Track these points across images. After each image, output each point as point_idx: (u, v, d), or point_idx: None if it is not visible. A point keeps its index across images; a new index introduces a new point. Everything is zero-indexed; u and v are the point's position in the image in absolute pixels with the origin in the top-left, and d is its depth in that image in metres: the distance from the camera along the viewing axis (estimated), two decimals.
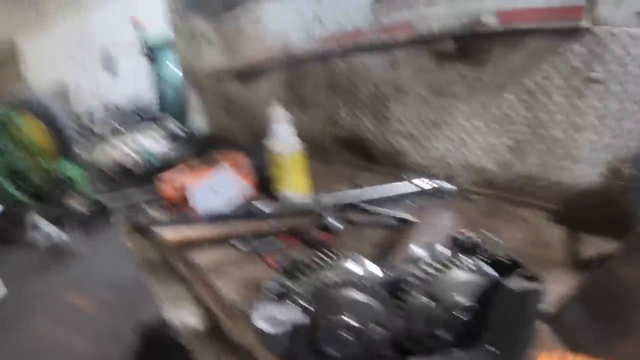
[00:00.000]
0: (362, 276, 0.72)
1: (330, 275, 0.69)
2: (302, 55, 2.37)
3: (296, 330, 0.65)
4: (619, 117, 1.32)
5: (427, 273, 0.72)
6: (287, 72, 2.58)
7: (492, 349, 0.73)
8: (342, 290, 0.68)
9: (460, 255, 0.75)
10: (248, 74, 2.89)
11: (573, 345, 0.84)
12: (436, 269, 0.72)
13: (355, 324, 0.68)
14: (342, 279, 0.69)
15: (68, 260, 4.16)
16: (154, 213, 2.02)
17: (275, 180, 1.91)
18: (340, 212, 1.66)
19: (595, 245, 1.29)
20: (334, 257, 0.79)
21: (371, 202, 1.72)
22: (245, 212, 1.69)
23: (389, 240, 1.48)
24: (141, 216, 1.90)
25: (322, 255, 0.80)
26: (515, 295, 0.68)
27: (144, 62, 8.20)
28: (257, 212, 1.68)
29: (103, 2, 11.26)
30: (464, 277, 0.73)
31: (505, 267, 0.76)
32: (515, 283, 0.69)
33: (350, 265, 0.78)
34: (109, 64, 8.67)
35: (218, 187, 1.94)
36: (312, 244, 1.52)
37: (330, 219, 1.57)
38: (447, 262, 0.74)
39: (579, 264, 1.22)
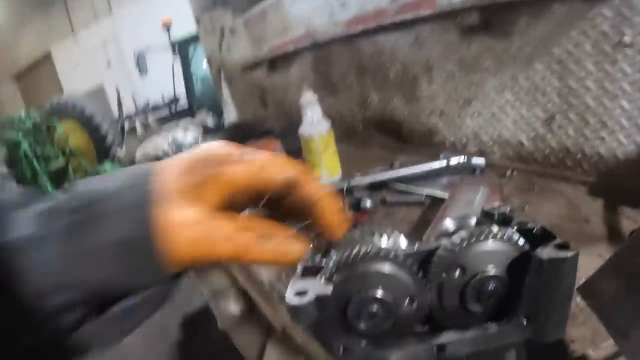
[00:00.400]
0: (393, 250, 0.71)
1: (362, 250, 0.68)
2: (327, 39, 2.36)
3: (325, 304, 0.64)
4: None
5: (458, 245, 0.70)
6: (314, 57, 2.57)
7: (526, 321, 0.70)
8: (373, 264, 0.66)
9: (493, 226, 0.73)
10: (277, 62, 2.91)
11: (606, 319, 0.81)
12: (468, 241, 0.70)
13: (386, 299, 0.67)
14: (374, 252, 0.67)
15: None
16: None
17: (308, 163, 1.91)
18: (373, 192, 1.67)
19: (634, 218, 1.25)
20: (367, 233, 0.78)
21: (404, 181, 1.71)
22: None
23: (423, 217, 1.46)
24: None
25: (354, 232, 0.78)
26: (548, 265, 0.66)
27: (175, 60, 8.26)
28: None
29: (132, 7, 11.37)
30: (496, 248, 0.70)
31: (538, 237, 0.72)
32: (548, 253, 0.66)
33: (382, 240, 0.77)
34: (141, 65, 8.75)
35: None
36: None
37: (362, 199, 1.58)
38: (478, 234, 0.72)
39: (620, 238, 1.18)
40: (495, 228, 0.69)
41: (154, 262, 0.40)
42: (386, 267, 0.67)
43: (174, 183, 0.42)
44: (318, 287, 0.64)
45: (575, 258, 0.64)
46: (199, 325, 3.11)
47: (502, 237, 0.70)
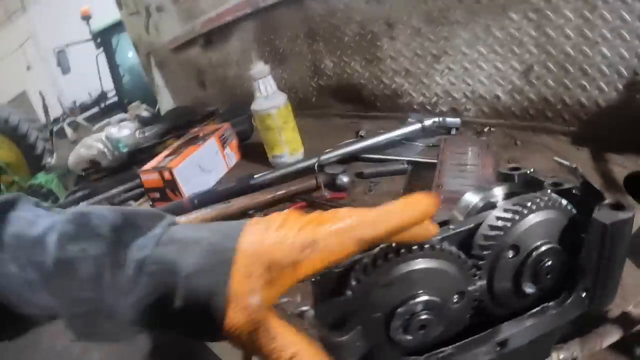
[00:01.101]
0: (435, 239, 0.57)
1: (401, 248, 0.52)
2: (270, 2, 2.18)
3: (369, 327, 0.51)
4: (632, 28, 1.22)
5: (510, 221, 0.57)
6: (256, 25, 2.40)
7: (586, 294, 0.61)
8: (404, 264, 0.52)
9: (535, 194, 0.59)
10: (213, 37, 2.72)
11: None
12: (519, 214, 0.57)
13: (435, 299, 0.53)
14: (417, 246, 0.52)
15: None
16: (137, 206, 1.86)
17: (266, 144, 1.76)
18: (347, 166, 1.54)
19: (623, 164, 1.22)
20: None
21: (377, 150, 1.60)
22: (241, 185, 1.54)
23: (409, 187, 1.37)
24: None
25: None
26: (612, 228, 0.55)
27: (98, 53, 7.99)
28: (253, 183, 1.53)
29: (47, 3, 10.90)
30: (546, 218, 0.58)
31: (581, 198, 0.63)
32: (609, 215, 0.56)
33: None
34: (63, 63, 8.47)
35: (204, 163, 1.79)
36: (323, 206, 1.37)
37: (336, 175, 1.44)
38: (517, 204, 0.58)
39: (616, 186, 1.14)
40: (539, 196, 0.58)
41: (211, 335, 0.47)
42: (425, 262, 0.53)
43: (246, 290, 0.45)
44: (359, 308, 0.50)
45: (632, 218, 0.55)
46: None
47: (551, 205, 0.58)
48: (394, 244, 0.51)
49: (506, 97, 1.55)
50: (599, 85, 1.33)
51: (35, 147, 6.58)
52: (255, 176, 1.58)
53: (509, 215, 0.56)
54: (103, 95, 8.86)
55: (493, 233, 0.56)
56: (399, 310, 0.52)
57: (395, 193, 1.34)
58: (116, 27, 7.14)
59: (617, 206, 0.56)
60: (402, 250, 0.51)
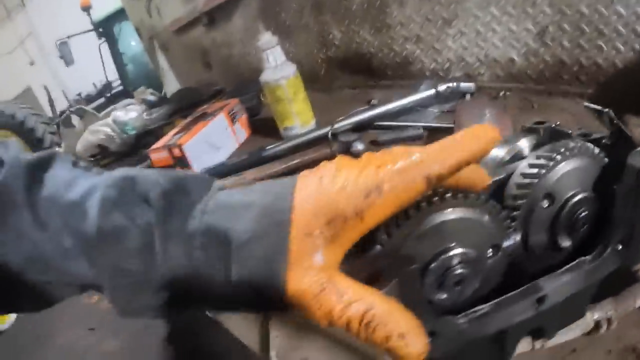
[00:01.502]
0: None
1: (433, 197, 0.49)
2: None
3: (406, 280, 0.47)
4: None
5: (542, 168, 0.54)
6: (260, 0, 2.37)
7: (622, 247, 0.57)
8: (437, 214, 0.49)
9: (566, 142, 0.56)
10: (216, 16, 2.69)
11: None
12: (552, 161, 0.54)
13: (469, 253, 0.50)
14: (450, 194, 0.49)
15: None
16: None
17: (277, 116, 1.74)
18: (361, 134, 1.51)
19: None
20: None
21: (391, 117, 1.57)
22: (253, 158, 1.51)
23: None
24: None
25: None
26: None
27: (101, 42, 7.97)
28: (265, 155, 1.51)
29: None
30: (574, 165, 0.56)
31: (614, 146, 0.60)
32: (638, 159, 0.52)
33: None
34: (66, 55, 8.46)
35: (213, 139, 1.76)
36: None
37: (350, 143, 1.41)
38: (550, 150, 0.56)
39: (633, 147, 1.08)
40: (571, 143, 0.55)
41: (273, 306, 0.43)
42: (456, 212, 0.50)
43: (309, 247, 0.41)
44: (395, 261, 0.47)
45: None
46: (185, 318, 2.94)
47: (583, 153, 0.56)
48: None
49: (521, 60, 1.52)
50: (615, 46, 1.29)
51: (43, 141, 6.60)
52: (267, 148, 1.56)
53: (543, 162, 0.54)
54: (108, 85, 8.85)
55: (527, 181, 0.53)
56: (433, 264, 0.49)
57: None
58: (117, 16, 7.12)
59: None
60: (436, 199, 0.47)
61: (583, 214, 0.55)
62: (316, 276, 0.41)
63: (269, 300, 0.42)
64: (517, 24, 1.47)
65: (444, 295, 0.51)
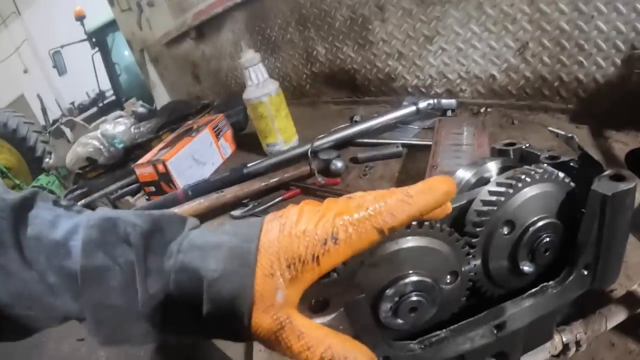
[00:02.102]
0: None
1: None
2: None
3: (357, 312, 0.48)
4: (628, 0, 1.18)
5: (503, 195, 0.54)
6: (246, 14, 2.37)
7: (588, 272, 0.57)
8: (395, 242, 0.49)
9: (530, 167, 0.56)
10: (205, 29, 2.69)
11: None
12: (513, 187, 0.54)
13: (426, 280, 0.50)
14: None
15: None
16: (134, 201, 1.83)
17: (260, 133, 1.73)
18: (341, 151, 1.51)
19: (623, 141, 1.21)
20: None
21: (371, 134, 1.57)
22: (235, 175, 1.51)
23: (404, 170, 1.34)
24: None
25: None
26: (613, 200, 0.52)
27: (94, 52, 7.93)
28: (247, 172, 1.50)
29: (41, 4, 10.84)
30: (543, 191, 0.55)
31: (580, 170, 0.59)
32: (609, 187, 0.52)
33: None
34: (59, 65, 8.43)
35: (198, 155, 1.76)
36: (318, 192, 1.35)
37: (330, 160, 1.41)
38: (511, 177, 0.55)
39: (618, 162, 1.12)
40: (534, 168, 0.55)
41: (240, 338, 0.47)
42: (414, 240, 0.50)
43: (270, 291, 0.44)
44: (341, 290, 0.48)
45: (634, 189, 0.52)
46: None
47: (547, 178, 0.55)
48: None
49: (502, 76, 1.52)
50: (596, 61, 1.30)
51: (35, 149, 6.58)
52: (249, 165, 1.55)
53: (502, 189, 0.53)
54: (101, 95, 8.77)
55: (486, 209, 0.53)
56: (388, 291, 0.49)
57: (390, 176, 1.32)
58: (111, 26, 7.07)
59: (618, 177, 0.53)
60: None
61: (546, 239, 0.55)
62: (276, 315, 0.44)
63: (236, 333, 0.46)
64: (497, 41, 1.48)
65: (400, 321, 0.51)
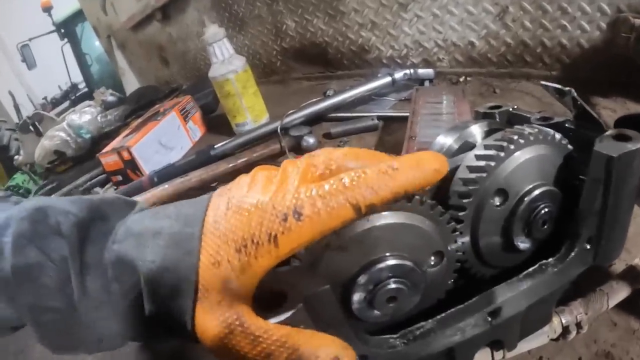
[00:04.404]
0: None
1: None
2: None
3: (321, 305, 0.40)
4: None
5: (481, 160, 0.47)
6: None
7: (590, 246, 0.51)
8: (370, 218, 0.41)
9: (521, 128, 0.49)
10: (170, 10, 2.62)
11: None
12: (491, 151, 0.47)
13: (408, 264, 0.43)
14: None
15: None
16: (103, 192, 1.74)
17: (228, 112, 1.66)
18: (312, 127, 1.46)
19: (611, 108, 1.17)
20: None
21: (344, 107, 1.52)
22: (202, 157, 1.44)
23: (381, 143, 1.29)
24: None
25: None
26: (619, 163, 0.45)
27: (64, 43, 7.83)
28: (215, 154, 1.43)
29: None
30: (532, 154, 0.48)
31: (578, 131, 0.53)
32: (614, 147, 0.45)
33: None
34: (28, 59, 8.33)
35: (165, 139, 1.68)
36: None
37: (301, 137, 1.35)
38: (501, 139, 0.48)
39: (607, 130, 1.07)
40: (528, 128, 0.48)
41: (182, 337, 0.40)
42: (390, 217, 0.42)
43: (219, 274, 0.37)
44: (302, 281, 0.40)
45: None
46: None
47: (542, 140, 0.48)
48: None
49: (481, 43, 1.47)
50: (580, 25, 1.25)
51: (9, 148, 6.51)
52: (216, 146, 1.48)
53: (492, 153, 0.46)
54: (73, 87, 8.69)
55: (474, 176, 0.46)
56: (360, 279, 0.41)
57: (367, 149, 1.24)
58: (79, 16, 6.96)
59: (623, 137, 0.46)
60: None
61: (544, 210, 0.48)
62: (223, 315, 0.37)
63: (184, 336, 0.40)
64: (475, 5, 1.42)
65: (377, 313, 0.43)
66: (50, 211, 0.42)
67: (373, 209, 0.37)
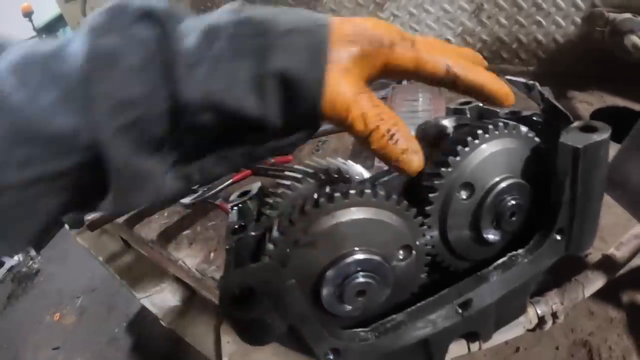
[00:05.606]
0: (355, 185, 0.46)
1: (310, 202, 0.42)
2: None
3: (288, 300, 0.40)
4: None
5: (446, 155, 0.47)
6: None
7: (562, 236, 0.52)
8: (335, 215, 0.43)
9: (489, 121, 0.50)
10: None
11: (636, 204, 0.68)
12: (469, 144, 0.47)
13: (376, 258, 0.44)
14: (340, 193, 0.42)
15: (35, 282, 3.90)
16: None
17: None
18: None
19: (588, 101, 1.19)
20: (305, 173, 0.54)
21: None
22: None
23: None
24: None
25: (288, 174, 0.56)
26: (585, 154, 0.46)
27: None
28: None
29: None
30: (498, 147, 0.49)
31: (546, 124, 0.53)
32: (579, 139, 0.47)
33: (332, 173, 0.53)
34: None
35: None
36: (269, 171, 1.29)
37: None
38: (466, 133, 0.49)
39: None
40: (493, 122, 0.49)
41: (307, 108, 0.40)
42: (356, 212, 0.43)
43: (347, 54, 0.41)
44: (269, 276, 0.40)
45: (608, 140, 0.47)
46: (147, 327, 2.91)
47: (509, 133, 0.49)
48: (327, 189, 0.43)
49: (457, 40, 1.48)
50: (555, 20, 1.26)
51: None
52: None
53: (457, 147, 0.46)
54: None
55: (439, 170, 0.46)
56: (328, 274, 0.42)
57: (344, 149, 1.27)
58: (61, 20, 6.92)
59: (589, 128, 0.48)
60: (321, 200, 0.40)
61: (511, 202, 0.49)
62: (354, 81, 0.41)
63: (305, 100, 0.40)
64: (451, 3, 1.43)
65: (348, 307, 0.44)
66: (129, 3, 0.38)
67: (457, 82, 0.45)
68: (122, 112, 0.36)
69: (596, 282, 0.68)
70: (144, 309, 1.41)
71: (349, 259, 0.42)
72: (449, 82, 0.46)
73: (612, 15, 1.12)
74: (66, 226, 1.56)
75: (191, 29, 0.38)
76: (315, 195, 0.42)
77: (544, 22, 1.28)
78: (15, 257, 4.12)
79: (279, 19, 0.39)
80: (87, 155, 0.36)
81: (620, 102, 1.15)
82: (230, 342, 1.00)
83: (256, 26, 0.39)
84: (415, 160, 0.42)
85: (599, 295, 0.71)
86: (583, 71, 1.24)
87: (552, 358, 0.71)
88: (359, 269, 0.42)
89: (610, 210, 0.74)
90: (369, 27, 0.42)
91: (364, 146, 0.43)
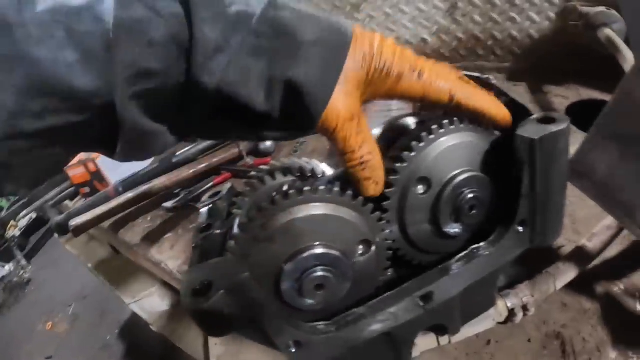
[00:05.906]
0: (319, 181, 0.49)
1: (274, 196, 0.43)
2: None
3: (245, 292, 0.41)
4: None
5: (413, 149, 0.48)
6: None
7: (524, 229, 0.53)
8: (296, 211, 0.44)
9: (439, 116, 0.50)
10: None
11: (604, 198, 0.68)
12: (424, 140, 0.48)
13: (331, 253, 0.45)
14: (294, 190, 0.43)
15: (27, 291, 3.89)
16: (73, 205, 1.73)
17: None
18: None
19: (564, 95, 1.20)
20: (275, 173, 0.57)
21: None
22: (164, 165, 1.44)
23: None
24: (54, 216, 1.60)
25: (259, 175, 0.58)
26: (542, 145, 0.47)
27: None
28: (177, 161, 1.43)
29: None
30: (455, 141, 0.49)
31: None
32: (535, 130, 0.47)
33: (299, 173, 0.56)
34: None
35: None
36: (249, 173, 1.28)
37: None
38: (420, 129, 0.50)
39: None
40: (448, 117, 0.50)
41: (307, 117, 0.43)
42: (311, 208, 0.44)
43: (355, 81, 0.44)
44: (226, 270, 0.41)
45: (567, 130, 0.47)
46: (139, 332, 2.89)
47: (465, 128, 0.50)
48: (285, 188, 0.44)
49: (433, 39, 1.48)
50: (529, 16, 1.27)
51: None
52: (177, 153, 1.48)
53: (410, 143, 0.47)
54: None
55: (394, 166, 0.47)
56: (286, 268, 0.42)
57: (322, 150, 1.28)
58: None
59: (547, 119, 0.48)
60: (277, 197, 0.41)
61: (469, 196, 0.49)
62: (352, 104, 0.44)
63: (307, 110, 0.43)
64: (425, 3, 1.43)
65: (309, 301, 0.45)
66: None
67: (458, 108, 0.48)
68: (139, 81, 0.38)
69: (568, 273, 0.68)
70: (136, 314, 1.41)
71: (307, 254, 0.42)
72: (453, 108, 0.48)
73: (585, 9, 1.13)
74: (55, 235, 1.55)
75: (215, 13, 0.40)
76: (274, 193, 0.42)
77: (518, 19, 1.29)
78: (7, 267, 4.08)
79: (304, 27, 0.42)
80: (100, 113, 0.38)
81: (596, 95, 1.15)
82: (218, 344, 1.00)
83: (278, 29, 0.41)
84: (371, 189, 0.46)
85: (573, 287, 0.71)
86: (559, 66, 1.24)
87: (524, 351, 0.70)
88: (317, 263, 0.43)
89: (584, 203, 0.75)
90: (383, 53, 0.44)
91: (339, 158, 0.46)
